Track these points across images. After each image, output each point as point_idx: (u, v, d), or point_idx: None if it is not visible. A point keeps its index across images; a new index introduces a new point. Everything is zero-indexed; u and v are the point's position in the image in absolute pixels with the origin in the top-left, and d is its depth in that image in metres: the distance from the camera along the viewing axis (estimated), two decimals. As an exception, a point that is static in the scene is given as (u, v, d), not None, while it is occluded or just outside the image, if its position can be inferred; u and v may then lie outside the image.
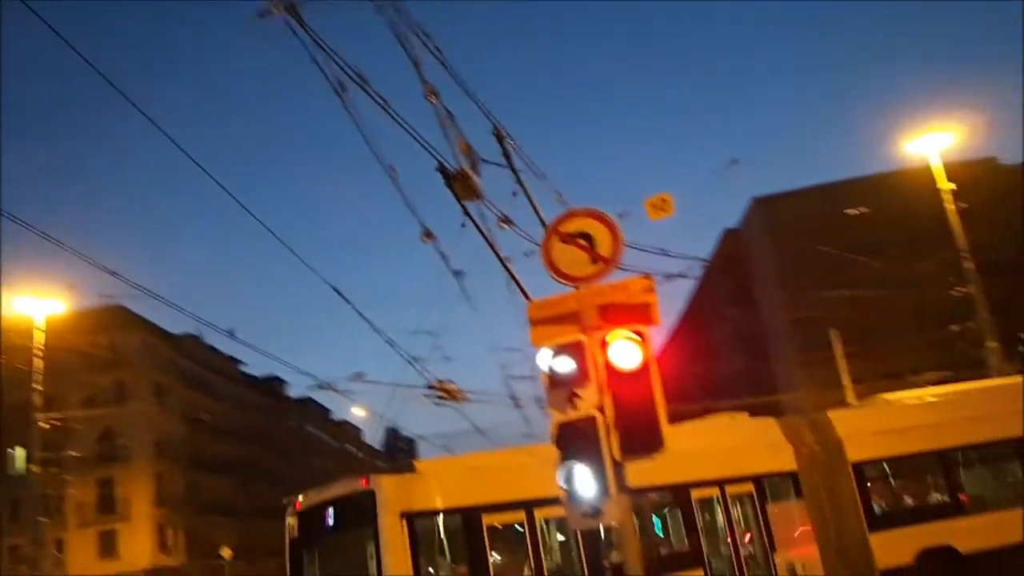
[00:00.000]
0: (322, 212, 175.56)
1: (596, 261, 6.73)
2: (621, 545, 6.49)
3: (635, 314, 6.44)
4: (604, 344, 6.31)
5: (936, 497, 14.53)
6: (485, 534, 10.30)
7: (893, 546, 13.28)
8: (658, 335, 6.68)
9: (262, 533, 69.68)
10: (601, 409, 6.22)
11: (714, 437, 13.56)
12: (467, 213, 8.47)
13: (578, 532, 10.45)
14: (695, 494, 12.48)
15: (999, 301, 28.48)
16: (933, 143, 26.11)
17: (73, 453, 39.04)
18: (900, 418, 14.78)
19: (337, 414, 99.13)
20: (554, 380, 6.47)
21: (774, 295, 55.06)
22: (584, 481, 6.26)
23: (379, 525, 9.91)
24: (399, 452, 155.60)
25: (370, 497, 10.09)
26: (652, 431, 6.14)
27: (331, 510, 10.96)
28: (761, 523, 12.90)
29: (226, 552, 52.25)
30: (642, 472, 10.46)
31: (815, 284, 38.70)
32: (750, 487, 13.07)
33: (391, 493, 10.08)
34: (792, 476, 13.48)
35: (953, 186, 25.93)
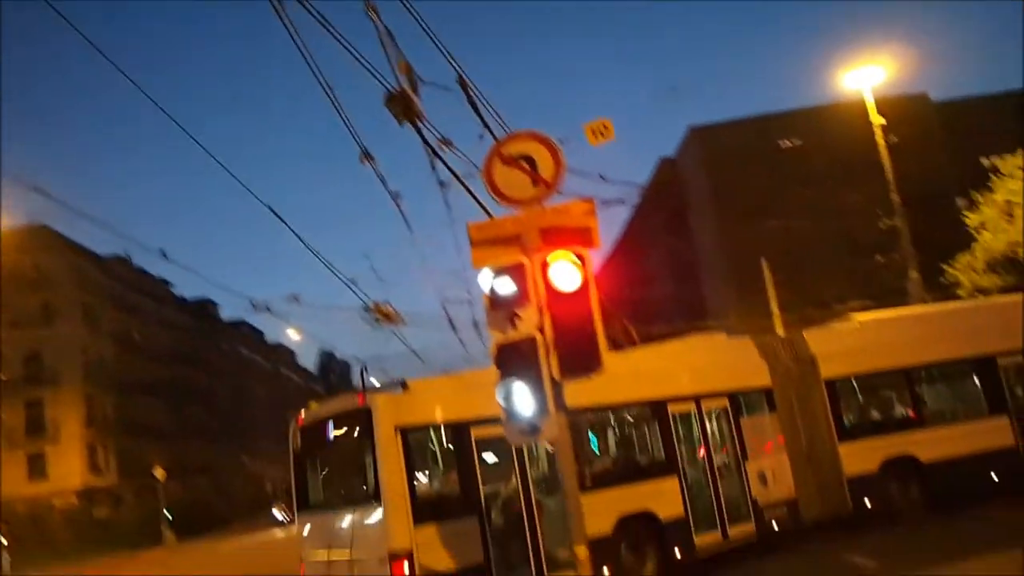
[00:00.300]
0: (259, 131, 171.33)
1: (538, 184, 6.79)
2: (558, 460, 6.70)
3: (576, 237, 6.55)
4: (545, 266, 6.42)
5: (900, 411, 15.54)
6: (474, 445, 10.94)
7: (860, 455, 14.23)
8: (595, 260, 6.81)
9: (195, 454, 69.67)
10: (541, 329, 6.36)
11: (691, 356, 14.36)
12: (423, 138, 8.40)
13: None
14: (672, 408, 13.16)
15: (921, 234, 29.32)
16: (867, 77, 26.44)
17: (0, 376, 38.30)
18: (870, 337, 15.56)
19: (271, 337, 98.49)
20: (495, 301, 6.58)
21: (708, 223, 55.90)
22: (523, 399, 6.44)
23: (375, 439, 10.53)
24: (333, 375, 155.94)
25: (366, 413, 10.69)
26: (591, 351, 6.30)
27: (331, 425, 11.70)
28: (734, 435, 13.71)
29: (159, 472, 52.15)
30: (623, 388, 12.16)
31: (748, 213, 39.36)
32: (724, 402, 13.80)
33: (385, 409, 10.67)
34: (766, 392, 14.29)
35: (883, 120, 26.42)
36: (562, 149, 6.81)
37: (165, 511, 52.73)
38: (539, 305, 6.36)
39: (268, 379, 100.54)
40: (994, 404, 15.20)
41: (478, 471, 10.89)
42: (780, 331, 37.69)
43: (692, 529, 12.55)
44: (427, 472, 11.31)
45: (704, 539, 12.65)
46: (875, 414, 15.57)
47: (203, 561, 34.74)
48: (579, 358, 6.31)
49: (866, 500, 14.01)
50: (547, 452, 11.64)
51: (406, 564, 9.81)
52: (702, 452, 13.28)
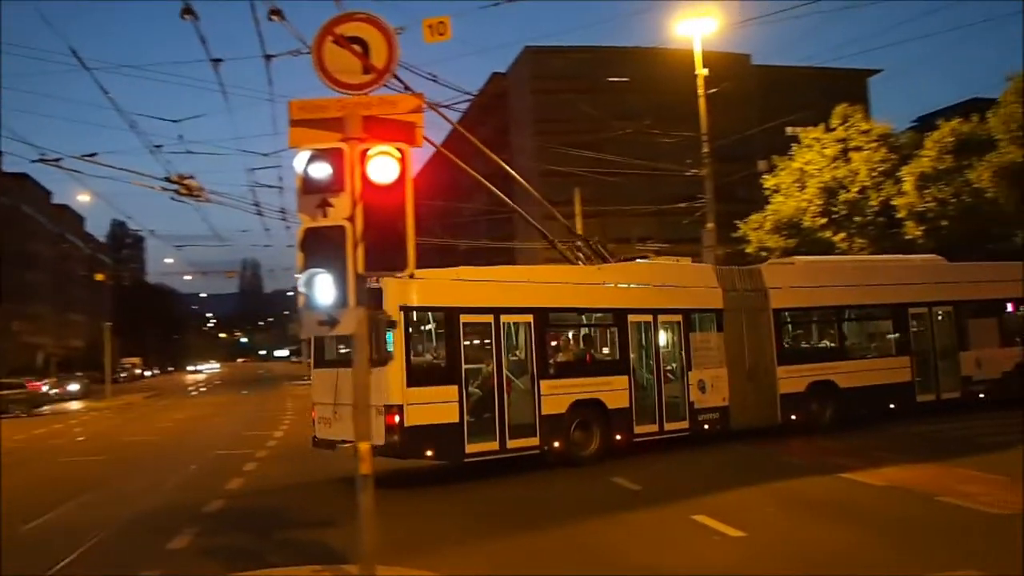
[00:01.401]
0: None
1: (368, 71, 6.56)
2: (355, 354, 6.65)
3: (399, 131, 6.41)
4: (364, 156, 6.25)
5: (827, 343, 18.54)
6: (461, 328, 13.25)
7: (792, 377, 16.96)
8: (415, 163, 6.73)
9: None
10: (351, 220, 6.22)
11: (654, 275, 16.50)
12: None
13: (532, 331, 13.89)
14: (631, 318, 15.35)
15: (724, 187, 30.94)
16: (698, 27, 27.31)
17: None
18: (811, 278, 18.46)
19: (59, 198, 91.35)
20: (307, 185, 6.35)
21: (528, 144, 56.39)
22: (324, 289, 6.31)
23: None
24: (125, 247, 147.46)
25: (378, 292, 12.31)
26: (398, 248, 6.22)
27: None
28: (683, 346, 15.89)
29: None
30: (593, 297, 15.07)
31: (568, 141, 40.05)
32: (678, 318, 15.96)
33: (393, 290, 12.57)
34: (716, 313, 16.47)
35: (707, 72, 27.46)
36: (397, 38, 6.60)
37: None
38: (353, 195, 6.20)
39: (51, 243, 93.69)
40: (900, 346, 18.59)
41: (462, 349, 13.17)
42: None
43: (634, 419, 14.94)
44: (421, 345, 13.46)
45: (643, 428, 15.09)
46: (808, 343, 18.58)
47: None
48: (386, 253, 6.23)
49: (792, 415, 16.76)
50: (523, 340, 14.00)
51: (397, 415, 12.25)
52: (652, 358, 15.58)
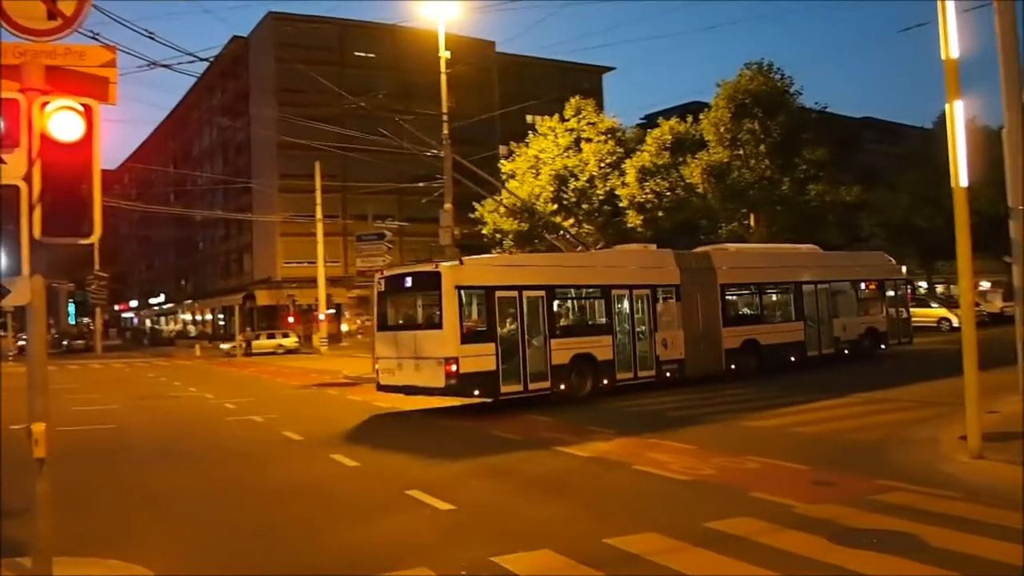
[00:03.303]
0: None
1: (55, 16, 5.95)
2: (30, 326, 6.04)
3: (88, 86, 5.86)
4: (43, 108, 5.67)
5: (752, 311, 23.49)
6: (496, 301, 17.20)
7: (732, 336, 21.92)
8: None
9: None
10: (27, 180, 5.63)
11: (628, 258, 21.39)
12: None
13: (545, 302, 18.06)
14: (614, 292, 19.73)
15: (461, 168, 31.42)
16: (443, 10, 27.58)
17: None
18: (745, 260, 23.51)
19: None
20: (-27, 138, 5.69)
21: (269, 114, 54.41)
22: (-7, 256, 5.70)
23: (442, 291, 16.68)
24: None
25: (438, 275, 16.95)
26: (82, 212, 5.69)
27: (409, 279, 18.30)
28: (651, 313, 20.31)
29: None
30: (585, 276, 19.82)
31: (310, 113, 38.97)
32: (647, 291, 20.34)
33: (449, 273, 16.86)
34: (675, 287, 21.01)
35: (449, 55, 27.79)
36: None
37: None
38: (29, 152, 5.60)
39: None
40: (797, 313, 23.94)
41: (497, 317, 17.14)
42: (320, 236, 38.33)
43: (616, 368, 19.32)
44: (469, 314, 17.11)
45: (622, 375, 19.45)
46: (741, 311, 23.28)
47: None
48: (67, 218, 5.66)
49: (732, 365, 21.67)
50: (539, 309, 17.97)
51: (454, 364, 16.28)
52: (628, 322, 19.93)
